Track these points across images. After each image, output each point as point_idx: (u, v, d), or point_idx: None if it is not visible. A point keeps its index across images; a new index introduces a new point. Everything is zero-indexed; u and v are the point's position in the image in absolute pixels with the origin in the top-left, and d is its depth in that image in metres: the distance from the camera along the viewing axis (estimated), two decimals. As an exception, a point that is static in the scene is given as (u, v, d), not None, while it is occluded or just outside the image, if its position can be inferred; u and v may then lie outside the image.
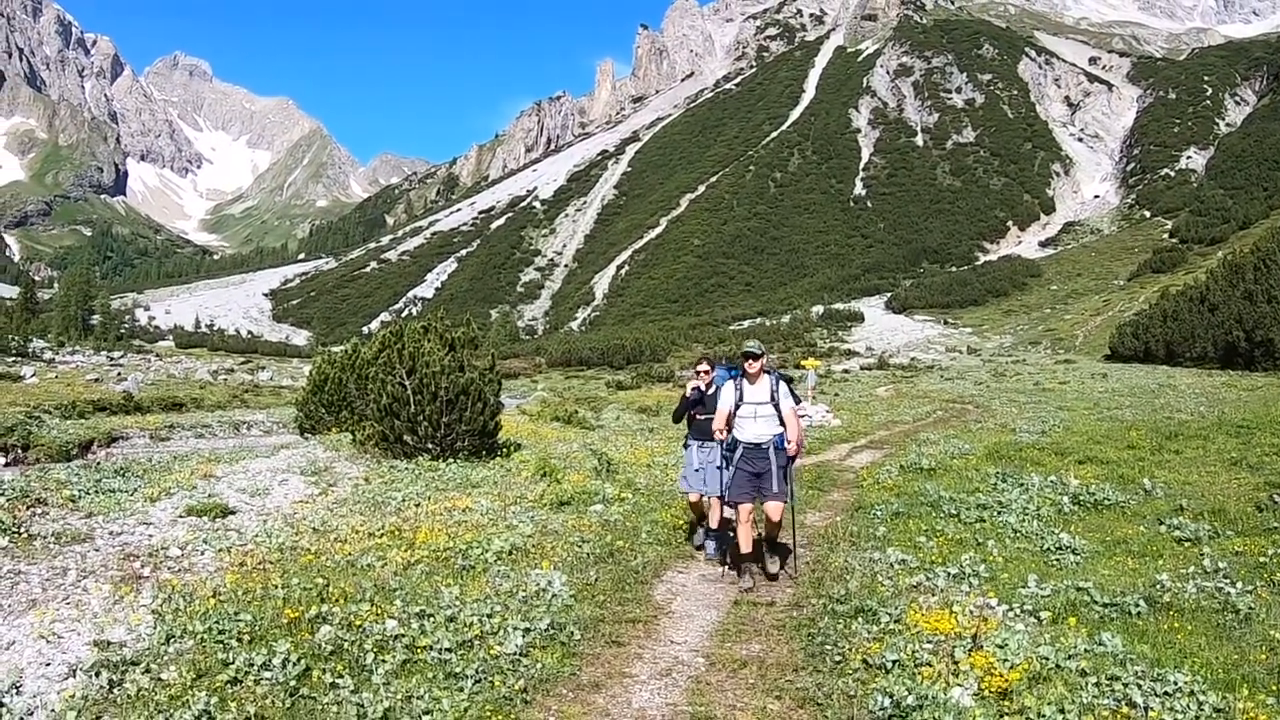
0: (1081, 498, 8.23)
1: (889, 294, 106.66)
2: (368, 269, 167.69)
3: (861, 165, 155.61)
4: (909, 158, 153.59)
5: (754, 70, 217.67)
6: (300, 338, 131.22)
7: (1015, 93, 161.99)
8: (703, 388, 7.41)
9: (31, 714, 3.73)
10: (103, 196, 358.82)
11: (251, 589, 5.12)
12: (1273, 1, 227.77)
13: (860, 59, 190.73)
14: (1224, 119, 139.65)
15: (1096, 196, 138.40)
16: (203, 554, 6.01)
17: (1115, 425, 15.06)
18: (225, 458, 11.85)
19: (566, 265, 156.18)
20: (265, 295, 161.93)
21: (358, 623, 4.69)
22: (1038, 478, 9.18)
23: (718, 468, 7.00)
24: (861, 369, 56.34)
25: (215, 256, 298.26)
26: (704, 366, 7.58)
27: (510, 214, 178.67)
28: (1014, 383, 37.69)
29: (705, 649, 5.08)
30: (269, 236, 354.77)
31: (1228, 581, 5.34)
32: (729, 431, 6.71)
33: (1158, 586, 5.38)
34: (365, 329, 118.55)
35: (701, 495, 7.41)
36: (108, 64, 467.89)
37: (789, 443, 6.62)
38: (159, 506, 7.35)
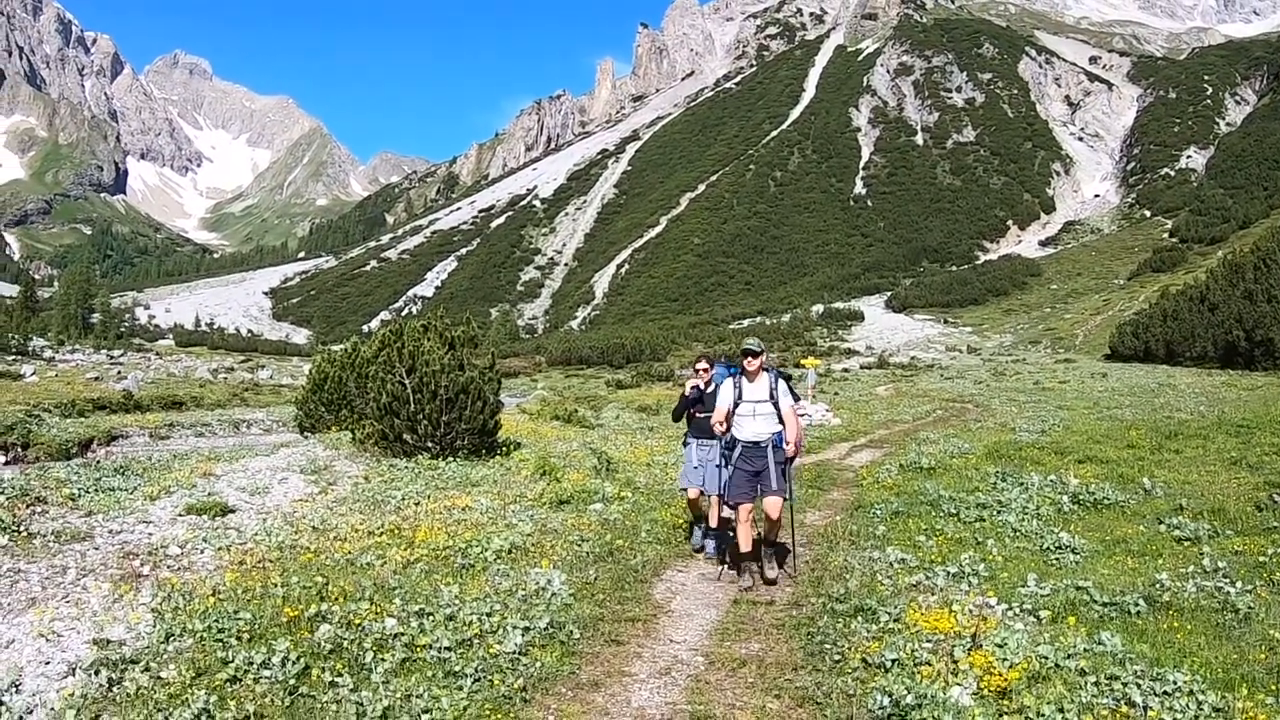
0: (1081, 497, 8.22)
1: (889, 293, 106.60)
2: (368, 267, 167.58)
3: (861, 164, 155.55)
4: (909, 157, 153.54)
5: (754, 69, 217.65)
6: (300, 336, 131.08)
7: (1015, 92, 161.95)
8: (702, 386, 7.40)
9: (31, 712, 3.73)
10: (103, 195, 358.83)
11: (251, 587, 5.13)
12: (1273, 1, 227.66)
13: (860, 58, 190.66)
14: (1224, 118, 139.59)
15: (1097, 196, 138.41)
16: (202, 552, 6.01)
17: (1115, 424, 15.08)
18: (225, 456, 11.86)
19: (566, 264, 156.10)
20: (265, 294, 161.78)
21: (357, 621, 4.69)
22: (1037, 477, 9.17)
23: (717, 466, 6.99)
24: (861, 368, 56.29)
25: (215, 255, 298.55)
26: (703, 364, 7.57)
27: (510, 213, 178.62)
28: (1014, 382, 37.67)
29: (704, 648, 5.08)
30: (269, 235, 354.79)
31: (1227, 581, 5.34)
32: (728, 429, 6.70)
33: (1157, 586, 5.38)
34: (365, 327, 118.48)
35: (700, 493, 7.40)
36: (108, 62, 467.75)
37: (788, 442, 6.59)
38: (159, 505, 7.35)
